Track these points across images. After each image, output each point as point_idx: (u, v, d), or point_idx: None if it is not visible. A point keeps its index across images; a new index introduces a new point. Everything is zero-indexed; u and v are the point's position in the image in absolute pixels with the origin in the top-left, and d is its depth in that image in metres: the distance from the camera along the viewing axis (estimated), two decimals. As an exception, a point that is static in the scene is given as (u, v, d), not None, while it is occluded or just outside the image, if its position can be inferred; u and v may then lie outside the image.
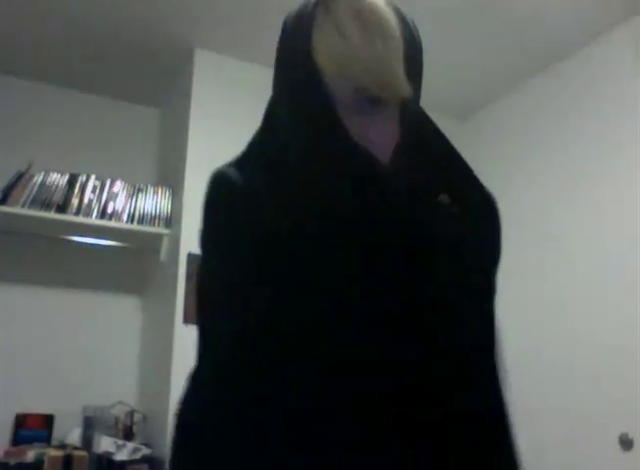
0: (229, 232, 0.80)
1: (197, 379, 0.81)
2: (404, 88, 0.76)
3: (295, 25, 0.79)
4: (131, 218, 2.94)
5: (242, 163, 0.87)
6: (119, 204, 2.94)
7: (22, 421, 2.86)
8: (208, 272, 0.82)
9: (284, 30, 0.82)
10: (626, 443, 2.35)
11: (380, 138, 0.77)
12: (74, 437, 2.83)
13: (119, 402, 2.98)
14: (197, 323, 0.85)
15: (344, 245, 0.75)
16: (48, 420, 2.90)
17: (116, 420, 2.92)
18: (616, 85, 2.66)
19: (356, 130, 0.74)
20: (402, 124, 0.79)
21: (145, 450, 2.71)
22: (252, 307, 0.77)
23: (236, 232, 0.79)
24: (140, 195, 3.00)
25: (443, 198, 0.80)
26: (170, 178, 3.12)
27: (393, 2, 0.80)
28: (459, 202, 0.82)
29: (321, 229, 0.75)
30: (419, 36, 0.81)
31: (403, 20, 0.79)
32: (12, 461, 2.56)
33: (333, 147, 0.74)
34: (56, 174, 2.85)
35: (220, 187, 0.86)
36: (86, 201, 2.87)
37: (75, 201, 2.85)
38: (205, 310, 0.84)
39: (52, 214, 2.79)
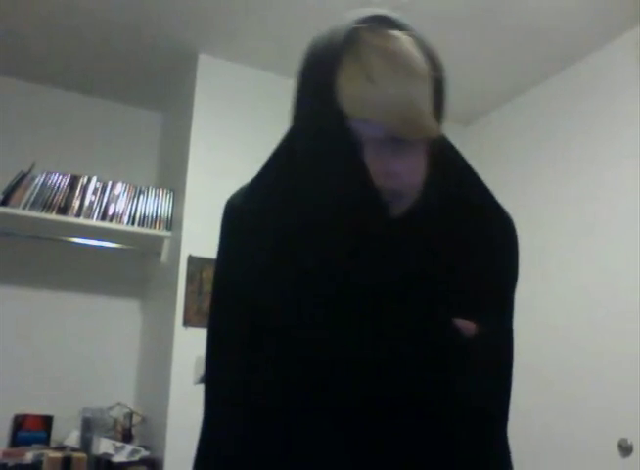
0: (233, 254, 0.85)
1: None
2: (432, 130, 0.75)
3: (318, 61, 0.76)
4: (132, 220, 2.94)
5: (255, 188, 0.87)
6: (121, 206, 2.95)
7: (20, 422, 2.86)
8: (214, 286, 0.89)
9: (307, 62, 0.79)
10: (626, 448, 2.34)
11: (407, 175, 0.76)
12: (73, 438, 2.83)
13: (118, 404, 2.98)
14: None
15: (336, 285, 0.76)
16: (47, 421, 2.90)
17: (115, 422, 2.93)
18: (617, 93, 2.67)
19: (381, 168, 0.74)
20: (430, 158, 0.79)
21: (144, 452, 2.71)
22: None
23: (241, 254, 0.84)
24: (141, 197, 3.01)
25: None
26: (172, 181, 3.13)
27: (418, 34, 0.78)
28: (477, 233, 0.83)
29: (320, 269, 0.76)
30: (443, 67, 0.80)
31: (429, 53, 0.77)
32: (10, 462, 2.56)
33: (351, 192, 0.74)
34: (57, 176, 2.86)
35: (229, 215, 0.88)
36: (87, 203, 2.88)
37: (77, 202, 2.86)
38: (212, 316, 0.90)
39: (53, 216, 2.80)
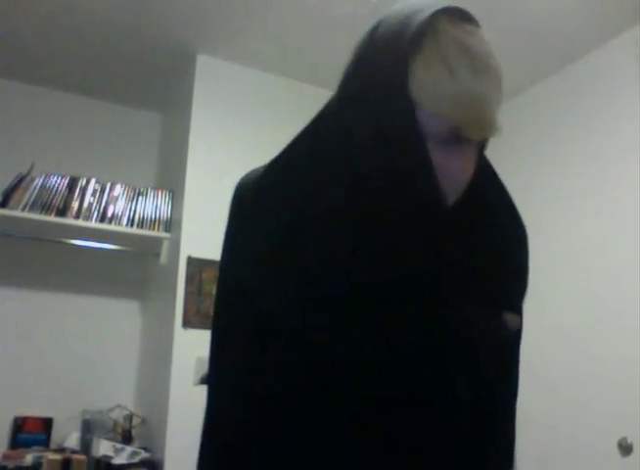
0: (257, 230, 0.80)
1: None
2: (497, 131, 0.74)
3: (392, 44, 0.73)
4: (131, 222, 2.94)
5: (271, 172, 0.82)
6: (119, 207, 2.94)
7: (20, 424, 2.86)
8: (221, 271, 0.85)
9: (377, 44, 0.75)
10: (626, 448, 2.34)
11: (459, 173, 0.75)
12: (73, 440, 2.82)
13: (118, 406, 2.98)
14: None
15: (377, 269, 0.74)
16: (47, 423, 2.89)
17: (115, 424, 2.92)
18: (617, 92, 2.67)
19: (440, 163, 0.72)
20: (477, 162, 0.78)
21: (143, 454, 2.71)
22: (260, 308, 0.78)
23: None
24: (140, 198, 3.00)
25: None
26: (171, 182, 3.13)
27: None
28: (499, 238, 0.83)
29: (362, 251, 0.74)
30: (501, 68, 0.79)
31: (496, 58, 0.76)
32: (10, 464, 2.56)
33: (411, 183, 0.72)
34: (56, 177, 2.85)
35: (237, 198, 0.84)
36: (86, 204, 2.88)
37: (75, 204, 2.86)
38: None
39: (52, 218, 2.80)
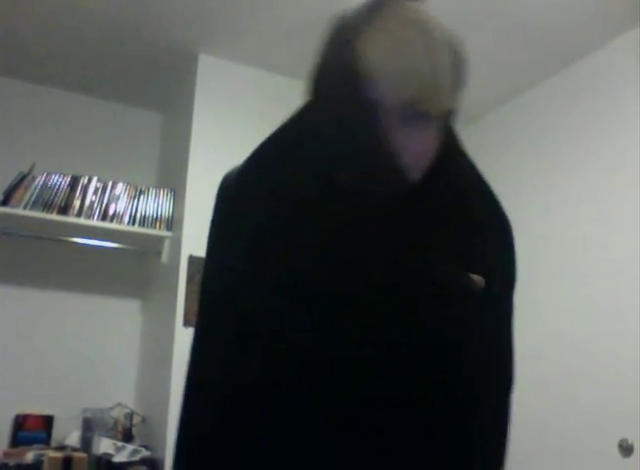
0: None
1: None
2: (453, 103, 0.75)
3: (345, 29, 0.76)
4: (133, 221, 2.94)
5: (246, 170, 0.87)
6: (121, 206, 2.95)
7: (21, 422, 2.86)
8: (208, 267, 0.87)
9: (334, 31, 0.78)
10: (626, 449, 2.34)
11: (421, 151, 0.76)
12: (74, 438, 2.83)
13: (119, 404, 2.98)
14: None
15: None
16: (48, 421, 2.90)
17: (116, 422, 2.93)
18: (618, 93, 2.67)
19: (400, 141, 0.73)
20: (440, 139, 0.78)
21: (144, 452, 2.72)
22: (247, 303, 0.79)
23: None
24: (142, 197, 3.01)
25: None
26: (172, 181, 3.13)
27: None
28: (474, 228, 0.82)
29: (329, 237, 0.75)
30: (460, 42, 0.80)
31: (450, 32, 0.77)
32: (11, 462, 2.56)
33: (372, 160, 0.73)
34: (58, 176, 2.86)
35: (220, 195, 0.88)
36: (88, 203, 2.88)
37: (77, 203, 2.86)
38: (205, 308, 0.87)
39: (53, 216, 2.80)
